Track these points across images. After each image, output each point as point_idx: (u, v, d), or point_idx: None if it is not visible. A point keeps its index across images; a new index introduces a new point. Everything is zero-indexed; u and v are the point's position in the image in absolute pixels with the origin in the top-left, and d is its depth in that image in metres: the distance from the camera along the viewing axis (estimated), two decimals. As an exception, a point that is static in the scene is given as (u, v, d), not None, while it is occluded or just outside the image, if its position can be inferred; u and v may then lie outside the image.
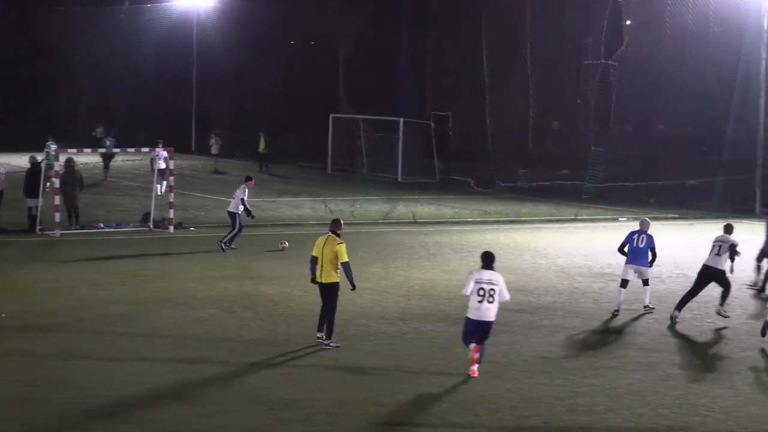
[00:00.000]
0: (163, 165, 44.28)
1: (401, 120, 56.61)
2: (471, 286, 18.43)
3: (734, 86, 45.59)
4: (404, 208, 43.12)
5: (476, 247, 31.15)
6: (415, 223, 39.77)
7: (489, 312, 18.33)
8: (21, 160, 42.81)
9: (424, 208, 44.20)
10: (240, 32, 69.16)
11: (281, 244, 31.84)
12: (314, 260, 20.18)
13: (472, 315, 18.42)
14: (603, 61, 50.65)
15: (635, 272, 23.88)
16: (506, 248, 32.90)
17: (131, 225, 36.53)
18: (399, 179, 54.93)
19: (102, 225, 36.51)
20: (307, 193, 48.31)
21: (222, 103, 72.56)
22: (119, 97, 71.31)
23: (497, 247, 31.60)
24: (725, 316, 22.84)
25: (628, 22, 52.09)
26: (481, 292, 18.28)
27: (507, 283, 18.80)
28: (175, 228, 35.99)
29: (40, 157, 37.55)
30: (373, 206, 44.00)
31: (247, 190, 31.89)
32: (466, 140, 59.90)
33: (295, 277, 26.73)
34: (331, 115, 60.56)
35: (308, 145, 63.83)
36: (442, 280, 27.73)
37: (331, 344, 20.09)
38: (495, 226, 39.16)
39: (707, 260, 22.97)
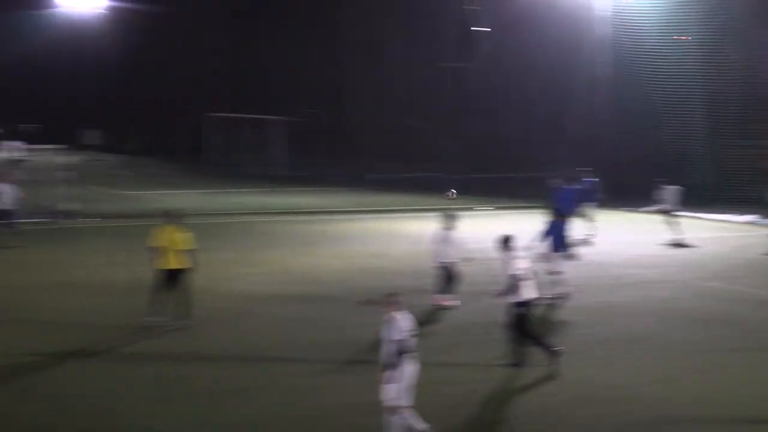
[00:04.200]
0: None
1: (274, 117, 55.79)
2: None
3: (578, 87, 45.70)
4: (281, 200, 42.48)
5: (352, 235, 31.30)
6: (293, 212, 38.78)
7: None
8: None
9: (301, 199, 43.39)
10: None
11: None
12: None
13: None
14: (457, 64, 50.39)
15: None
16: (383, 235, 32.72)
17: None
18: (275, 173, 53.42)
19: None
20: (192, 186, 47.23)
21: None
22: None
23: (375, 234, 31.94)
24: None
25: (481, 29, 51.68)
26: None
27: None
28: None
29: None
30: (252, 198, 43.04)
31: None
32: (335, 136, 59.13)
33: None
34: (208, 114, 59.19)
35: (190, 142, 62.12)
36: (322, 264, 27.11)
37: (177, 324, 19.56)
38: (370, 215, 38.14)
39: None
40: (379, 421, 13.48)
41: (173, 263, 19.63)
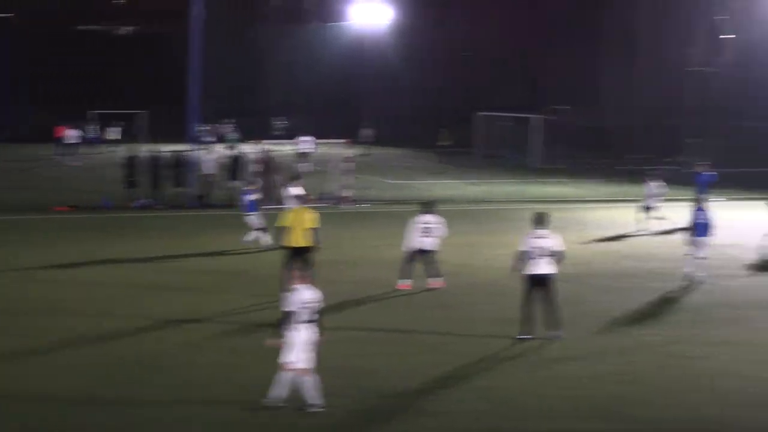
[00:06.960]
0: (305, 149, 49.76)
1: (533, 116, 57.35)
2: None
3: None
4: (535, 189, 43.16)
5: (596, 221, 32.81)
6: (547, 201, 39.03)
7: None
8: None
9: (555, 188, 44.08)
10: (403, 49, 71.76)
11: None
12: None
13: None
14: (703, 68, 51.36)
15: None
16: (616, 223, 33.37)
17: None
18: (534, 165, 54.51)
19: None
20: (458, 177, 48.70)
21: (383, 103, 74.14)
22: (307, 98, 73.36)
23: (608, 221, 32.85)
24: None
25: (726, 36, 52.58)
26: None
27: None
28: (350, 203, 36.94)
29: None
30: (506, 187, 44.19)
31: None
32: (584, 132, 60.74)
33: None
34: (477, 113, 62.00)
35: (459, 138, 65.10)
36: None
37: None
38: (613, 204, 38.89)
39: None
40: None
41: (300, 241, 20.01)
